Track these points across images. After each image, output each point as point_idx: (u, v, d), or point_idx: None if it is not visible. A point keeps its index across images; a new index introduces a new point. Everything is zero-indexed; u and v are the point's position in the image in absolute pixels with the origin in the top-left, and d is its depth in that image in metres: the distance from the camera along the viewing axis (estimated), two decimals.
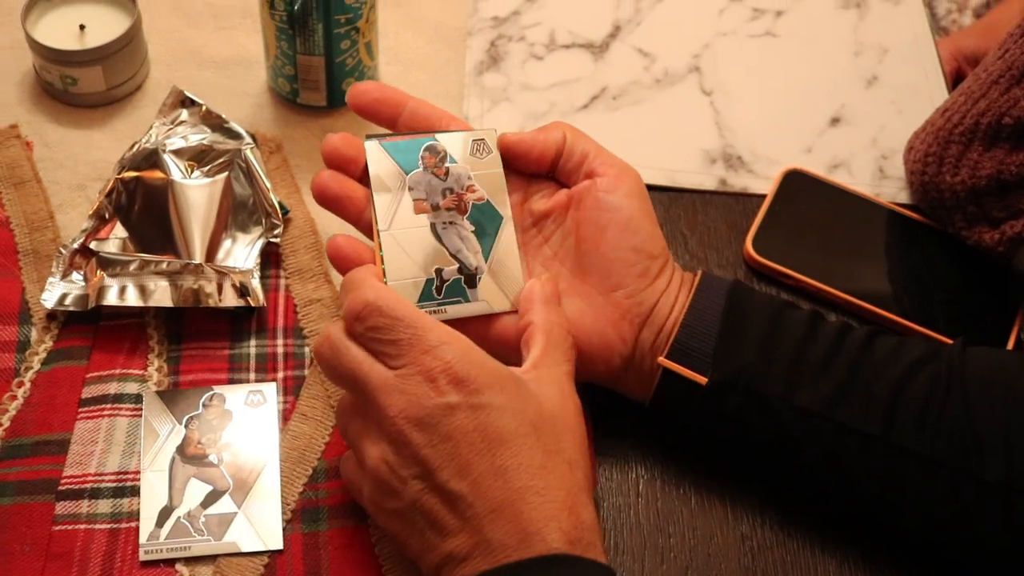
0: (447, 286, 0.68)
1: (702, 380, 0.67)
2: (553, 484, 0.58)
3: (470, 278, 0.68)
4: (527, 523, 0.57)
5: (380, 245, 0.67)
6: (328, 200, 0.70)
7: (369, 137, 0.70)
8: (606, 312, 0.68)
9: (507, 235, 0.69)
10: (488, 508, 0.57)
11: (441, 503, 0.58)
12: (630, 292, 0.68)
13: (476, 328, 0.67)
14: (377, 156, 0.69)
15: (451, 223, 0.68)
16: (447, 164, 0.69)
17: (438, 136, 0.70)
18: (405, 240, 0.68)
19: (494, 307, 0.68)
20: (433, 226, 0.68)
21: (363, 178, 0.70)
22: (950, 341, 0.72)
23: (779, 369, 0.66)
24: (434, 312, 0.67)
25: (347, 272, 0.67)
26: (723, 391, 0.66)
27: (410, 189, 0.69)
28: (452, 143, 0.70)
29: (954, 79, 1.10)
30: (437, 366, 0.59)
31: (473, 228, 0.69)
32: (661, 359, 0.67)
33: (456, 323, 0.65)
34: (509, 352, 0.66)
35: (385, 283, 0.66)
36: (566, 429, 0.61)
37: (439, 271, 0.68)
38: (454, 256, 0.68)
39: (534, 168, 0.71)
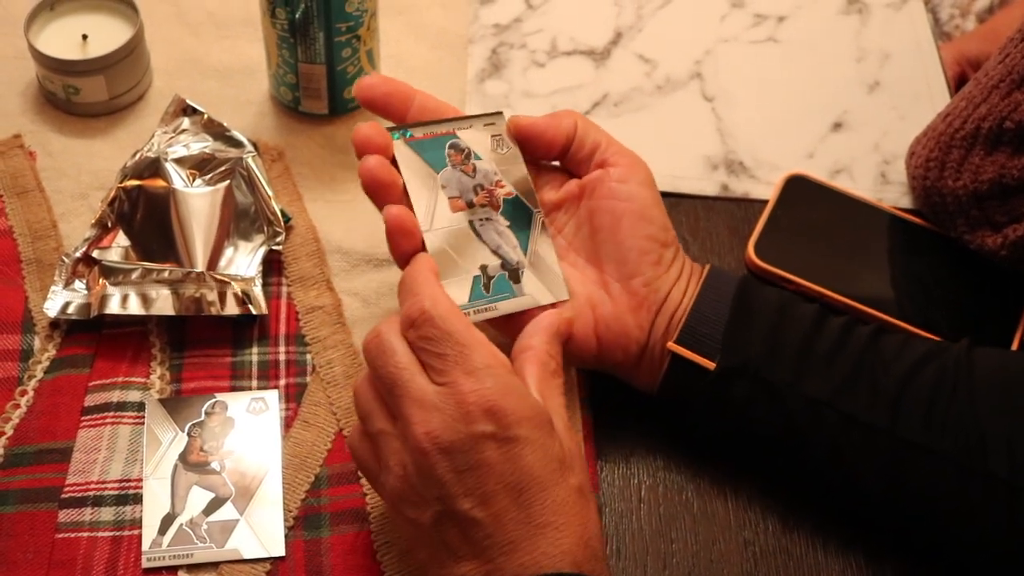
0: (493, 283, 0.68)
1: (710, 365, 0.67)
2: (573, 521, 0.58)
3: (514, 273, 0.68)
4: (542, 556, 0.56)
5: (424, 246, 0.67)
6: (378, 186, 0.67)
7: (390, 128, 0.69)
8: (624, 299, 0.69)
9: (540, 229, 0.70)
10: (506, 540, 0.57)
11: (458, 528, 0.57)
12: (647, 280, 0.69)
13: (513, 322, 0.67)
14: (406, 156, 0.69)
15: (487, 219, 0.69)
16: (473, 160, 0.70)
17: (459, 132, 0.70)
18: (448, 239, 0.68)
19: (540, 300, 0.68)
20: (471, 223, 0.69)
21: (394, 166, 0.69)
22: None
23: (787, 358, 0.67)
24: (486, 310, 0.67)
25: (403, 245, 0.66)
26: (731, 377, 0.67)
27: (443, 187, 0.69)
28: (473, 139, 0.70)
29: (957, 84, 1.10)
30: (475, 392, 0.58)
31: (508, 223, 0.69)
32: (671, 344, 0.68)
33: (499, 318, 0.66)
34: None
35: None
36: (578, 460, 0.60)
37: (484, 268, 0.68)
38: (495, 252, 0.69)
39: (543, 154, 0.72)
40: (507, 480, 0.57)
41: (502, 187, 0.70)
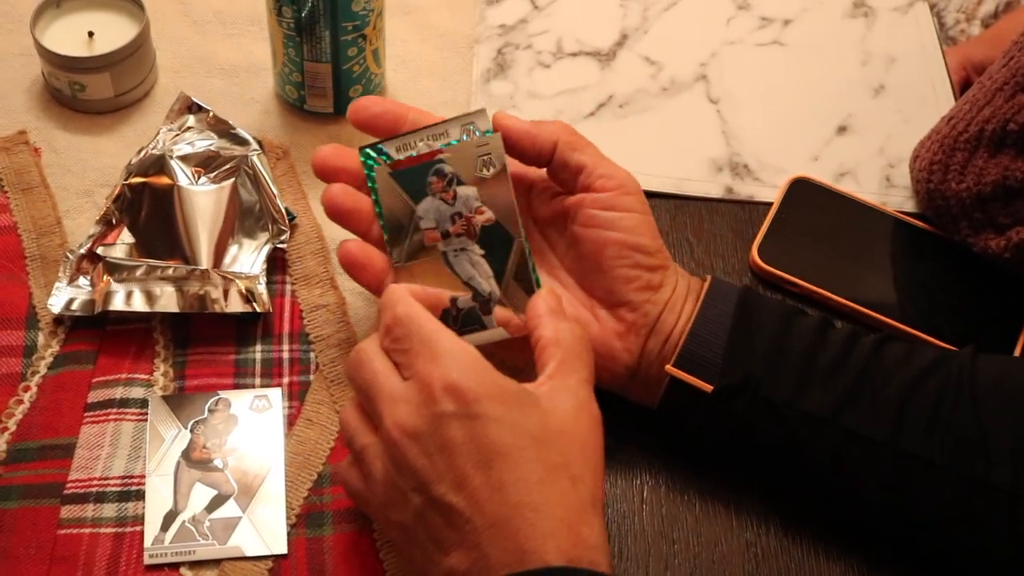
0: (463, 315, 0.67)
1: (707, 388, 0.67)
2: (552, 500, 0.57)
3: (484, 304, 0.68)
4: (524, 540, 0.55)
5: (395, 279, 0.68)
6: (340, 214, 0.70)
7: (362, 148, 0.70)
8: (611, 324, 0.69)
9: (519, 256, 0.68)
10: (486, 524, 0.56)
11: (440, 517, 0.57)
12: (634, 306, 0.68)
13: (501, 350, 0.67)
14: (386, 188, 0.68)
15: (462, 249, 0.68)
16: (454, 187, 0.68)
17: (445, 155, 0.68)
18: (419, 273, 0.68)
19: (510, 332, 0.68)
20: (444, 255, 0.68)
21: (362, 187, 0.70)
22: (955, 349, 0.71)
23: (787, 375, 0.66)
24: None
25: (359, 277, 0.69)
26: (730, 396, 0.66)
27: (420, 219, 0.68)
28: (460, 160, 0.68)
29: (962, 88, 1.10)
30: (437, 376, 0.58)
31: (483, 252, 0.68)
32: (668, 367, 0.67)
33: (482, 348, 0.63)
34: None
35: None
36: (574, 443, 0.59)
37: (453, 300, 0.67)
38: (467, 283, 0.68)
39: (521, 160, 0.70)
40: (475, 458, 0.57)
41: (482, 213, 0.68)
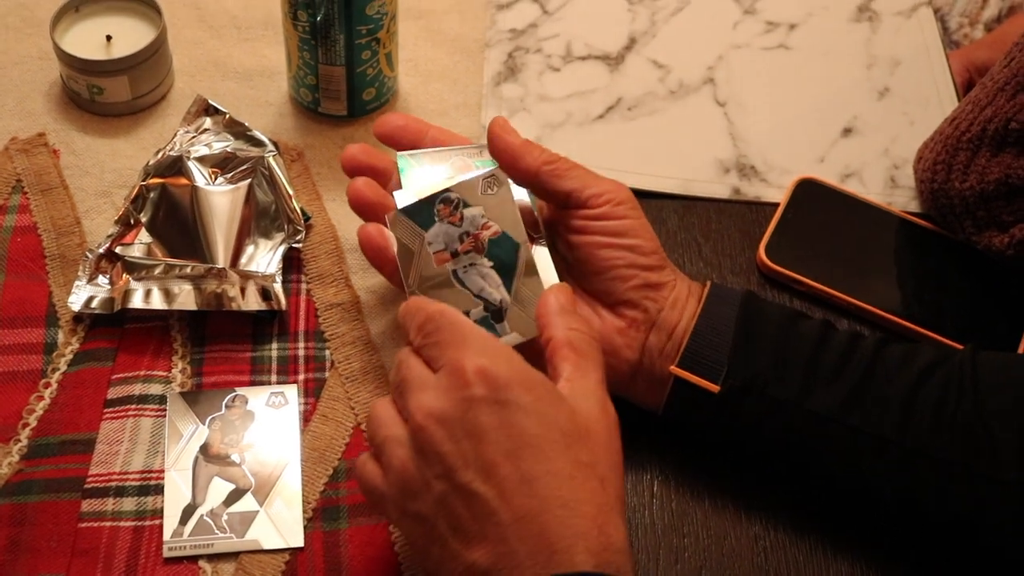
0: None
1: (714, 388, 0.67)
2: (583, 498, 0.55)
3: (496, 313, 0.68)
4: (554, 538, 0.54)
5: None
6: (364, 205, 0.73)
7: (400, 154, 0.74)
8: (611, 320, 0.70)
9: (526, 260, 0.69)
10: (513, 517, 0.54)
11: (465, 506, 0.55)
12: (633, 303, 0.69)
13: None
14: (399, 223, 0.70)
15: (471, 265, 0.69)
16: (461, 210, 0.70)
17: (452, 187, 0.70)
18: (432, 295, 0.69)
19: (524, 335, 0.68)
20: (454, 272, 0.69)
21: (386, 185, 0.74)
22: (960, 347, 0.72)
23: (792, 375, 0.67)
24: None
25: (376, 259, 0.71)
26: (737, 397, 0.67)
27: (429, 244, 0.70)
28: (465, 187, 0.70)
29: (965, 90, 1.11)
30: (468, 363, 0.57)
31: (492, 264, 0.69)
32: (673, 368, 0.68)
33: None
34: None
35: None
36: (599, 444, 0.58)
37: (466, 314, 0.68)
38: (478, 296, 0.69)
39: (505, 170, 0.71)
40: (504, 446, 0.56)
41: (488, 228, 0.69)
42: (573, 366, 0.61)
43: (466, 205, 0.70)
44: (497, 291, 0.69)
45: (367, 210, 0.73)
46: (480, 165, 0.74)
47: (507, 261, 0.69)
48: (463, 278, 0.69)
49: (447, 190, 0.70)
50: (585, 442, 0.57)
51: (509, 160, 0.70)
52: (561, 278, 0.70)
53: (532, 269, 0.69)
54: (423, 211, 0.70)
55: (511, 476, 0.55)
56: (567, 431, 0.57)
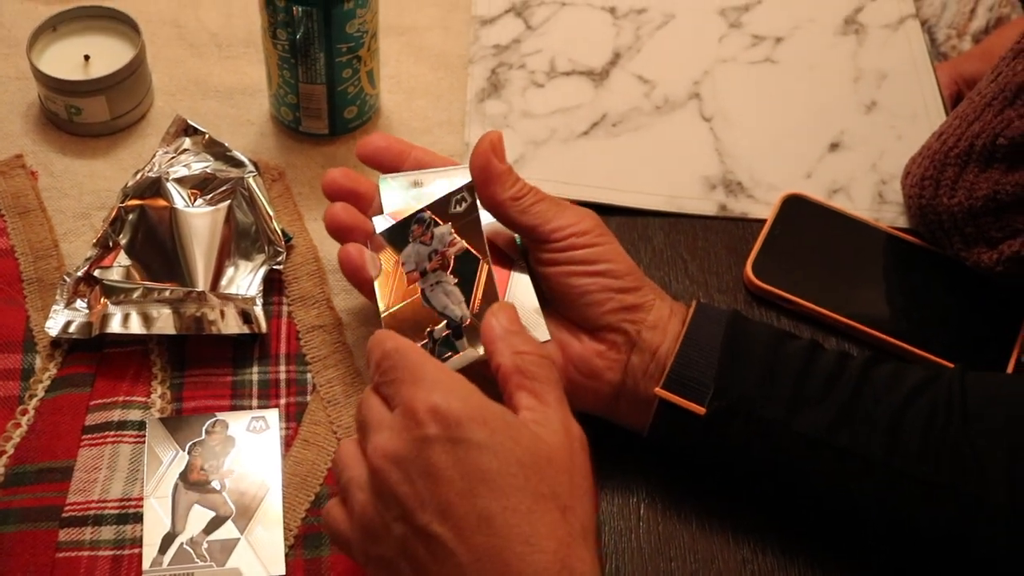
0: (439, 344, 0.68)
1: (700, 410, 0.67)
2: (543, 533, 0.54)
3: (456, 330, 0.68)
4: None
5: (383, 326, 0.69)
6: (340, 230, 0.73)
7: (383, 177, 0.74)
8: (591, 343, 0.69)
9: (484, 276, 0.69)
10: (472, 557, 0.54)
11: (425, 548, 0.55)
12: (611, 327, 0.69)
13: (486, 369, 0.65)
14: (379, 247, 0.72)
15: (437, 283, 0.69)
16: (431, 229, 0.70)
17: (427, 207, 0.71)
18: (401, 315, 0.69)
19: (481, 351, 0.66)
20: (423, 291, 0.69)
21: (365, 210, 0.74)
22: (950, 365, 0.72)
23: (779, 396, 0.66)
24: None
25: (356, 278, 0.72)
26: (724, 418, 0.66)
27: (402, 264, 0.70)
28: (439, 206, 0.71)
29: (954, 103, 1.10)
30: (420, 402, 0.56)
31: (456, 280, 0.69)
32: (658, 389, 0.67)
33: (469, 372, 0.64)
34: None
35: None
36: (562, 470, 0.57)
37: (430, 332, 0.68)
38: (441, 314, 0.68)
39: (482, 202, 0.70)
40: (460, 485, 0.55)
41: (454, 245, 0.69)
42: (528, 393, 0.60)
43: (437, 224, 0.70)
44: (459, 307, 0.68)
45: (344, 234, 0.73)
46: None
47: (468, 276, 0.69)
48: (429, 296, 0.69)
49: (421, 210, 0.71)
50: (545, 473, 0.56)
51: (481, 182, 0.69)
52: (542, 304, 0.70)
53: (491, 284, 0.68)
54: (401, 231, 0.71)
55: (468, 515, 0.54)
56: (525, 463, 0.56)
